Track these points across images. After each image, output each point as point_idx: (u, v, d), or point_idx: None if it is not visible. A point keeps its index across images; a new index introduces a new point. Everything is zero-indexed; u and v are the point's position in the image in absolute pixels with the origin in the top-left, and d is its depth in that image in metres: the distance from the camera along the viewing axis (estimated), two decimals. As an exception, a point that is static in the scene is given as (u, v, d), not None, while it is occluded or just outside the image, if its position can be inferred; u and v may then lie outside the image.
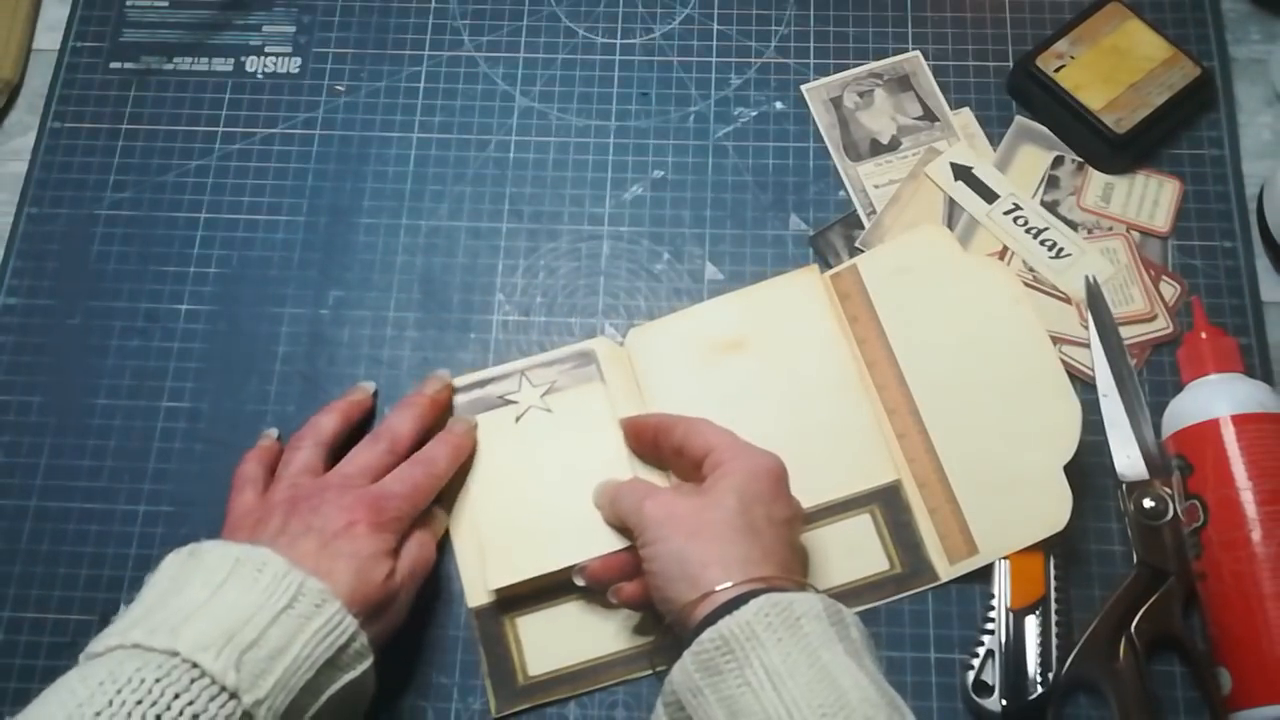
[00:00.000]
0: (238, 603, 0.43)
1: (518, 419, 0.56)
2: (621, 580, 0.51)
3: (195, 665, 0.40)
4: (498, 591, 0.53)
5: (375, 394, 0.58)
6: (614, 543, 0.52)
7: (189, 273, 0.62)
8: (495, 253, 0.62)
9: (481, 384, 0.57)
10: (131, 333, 0.60)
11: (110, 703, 0.39)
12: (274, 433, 0.57)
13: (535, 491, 0.55)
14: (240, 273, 0.62)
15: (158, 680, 0.40)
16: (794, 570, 0.47)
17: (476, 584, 0.55)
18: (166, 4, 0.68)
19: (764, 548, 0.46)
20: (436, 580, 0.55)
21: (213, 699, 0.40)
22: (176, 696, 0.39)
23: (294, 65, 0.66)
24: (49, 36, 0.68)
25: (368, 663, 0.46)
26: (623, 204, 0.62)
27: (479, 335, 0.60)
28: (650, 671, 0.52)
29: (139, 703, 0.39)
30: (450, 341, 0.60)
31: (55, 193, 0.64)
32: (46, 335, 0.61)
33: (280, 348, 0.60)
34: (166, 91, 0.66)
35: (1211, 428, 0.52)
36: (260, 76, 0.66)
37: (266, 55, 0.66)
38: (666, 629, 0.48)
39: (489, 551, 0.54)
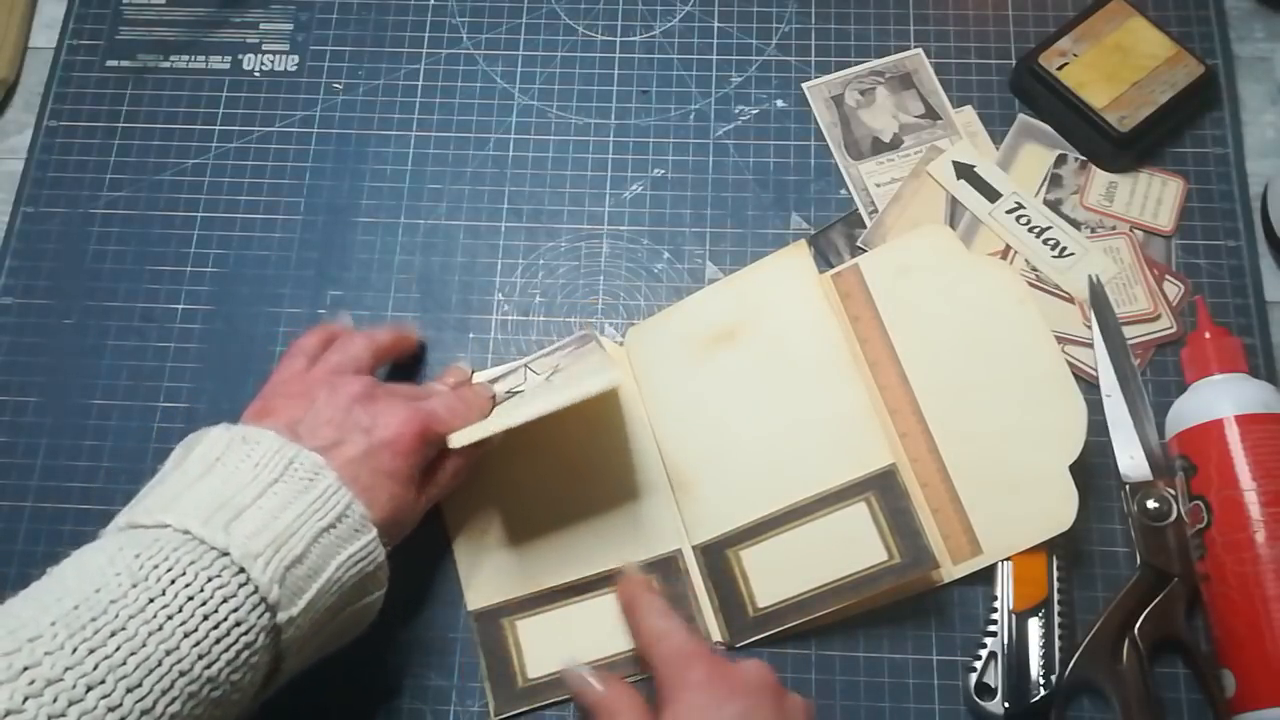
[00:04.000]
0: (285, 510, 0.43)
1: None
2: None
3: (243, 571, 0.40)
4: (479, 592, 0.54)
5: (423, 346, 0.59)
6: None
7: (186, 272, 0.61)
8: (494, 252, 0.61)
9: (490, 383, 0.56)
10: (128, 332, 0.60)
11: (164, 592, 0.39)
12: (347, 317, 0.58)
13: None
14: (237, 272, 0.61)
15: (209, 579, 0.40)
16: None
17: (476, 587, 0.54)
18: (163, 2, 0.68)
19: None
20: (435, 584, 0.55)
21: (254, 609, 0.40)
22: (224, 601, 0.40)
23: (291, 63, 0.66)
24: (45, 34, 0.67)
25: (382, 591, 0.47)
26: (622, 203, 0.62)
27: (478, 335, 0.60)
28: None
29: (190, 599, 0.39)
30: (449, 341, 0.60)
31: (51, 191, 0.63)
32: (42, 335, 0.60)
33: (277, 348, 0.59)
34: (163, 89, 0.65)
35: (1215, 428, 0.52)
36: (258, 74, 0.66)
37: (264, 53, 0.66)
38: None
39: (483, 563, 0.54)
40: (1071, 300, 0.58)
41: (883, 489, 0.53)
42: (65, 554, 0.55)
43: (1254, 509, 0.50)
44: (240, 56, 0.66)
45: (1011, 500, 0.53)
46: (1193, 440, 0.53)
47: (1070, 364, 0.56)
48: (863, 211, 0.61)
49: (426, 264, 0.61)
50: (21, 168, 0.64)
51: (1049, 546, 0.53)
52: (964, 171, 0.61)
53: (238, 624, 0.40)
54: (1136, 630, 0.51)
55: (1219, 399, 0.52)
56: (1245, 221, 0.60)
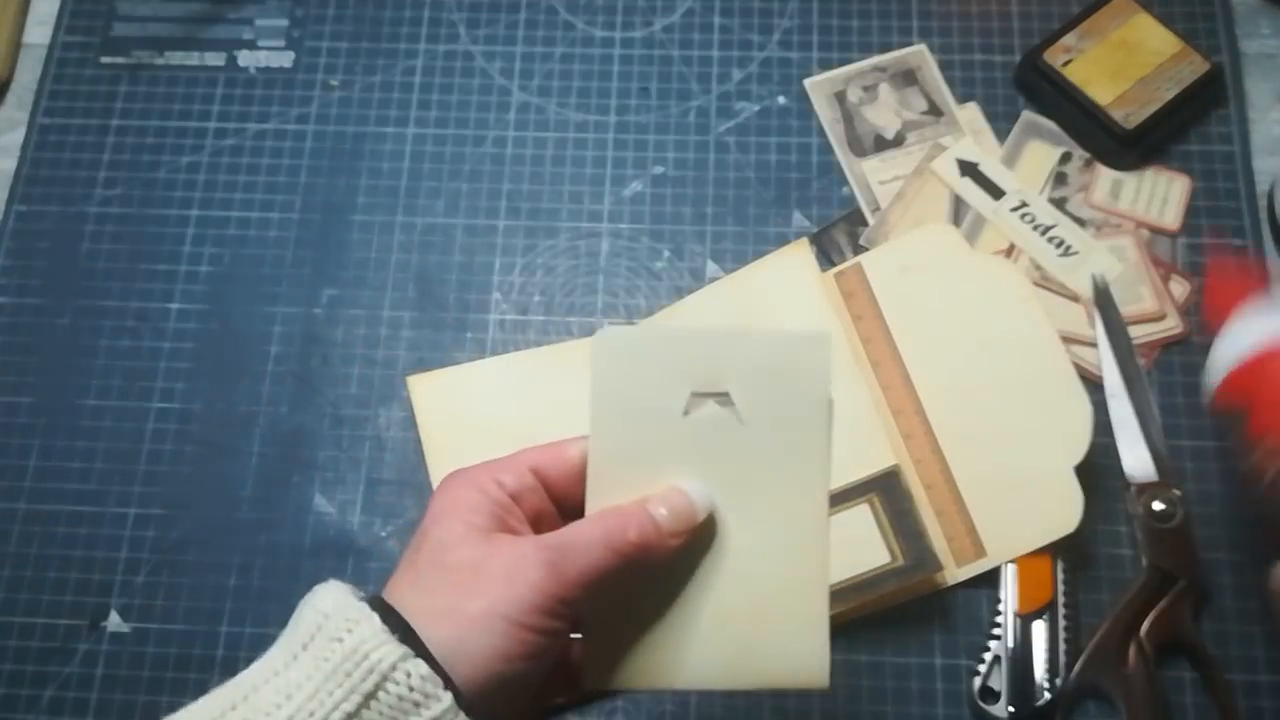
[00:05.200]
0: (290, 699, 0.31)
1: None
2: None
3: None
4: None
5: None
6: None
7: (180, 271, 0.61)
8: (492, 250, 0.61)
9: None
10: (122, 332, 0.60)
11: None
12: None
13: None
14: (232, 271, 0.61)
15: None
16: None
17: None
18: (158, -3, 0.67)
19: None
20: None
21: None
22: None
23: (287, 60, 0.65)
24: (39, 31, 0.67)
25: None
26: (622, 200, 0.62)
27: (475, 335, 0.59)
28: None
29: None
30: (446, 341, 0.59)
31: (44, 190, 0.63)
32: (35, 334, 0.60)
33: (273, 347, 0.59)
34: (157, 86, 0.65)
35: (1273, 357, 0.45)
36: (253, 71, 0.65)
37: (259, 49, 0.66)
38: None
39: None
40: (1076, 299, 0.58)
41: (886, 490, 0.53)
42: (56, 557, 0.55)
43: None
44: (235, 53, 0.66)
45: (1016, 502, 0.53)
46: (1242, 381, 0.46)
47: (1075, 364, 0.55)
48: (865, 209, 0.60)
49: (424, 263, 0.61)
50: (14, 166, 0.63)
51: (1054, 549, 0.52)
52: (968, 169, 0.61)
53: None
54: (1142, 633, 0.51)
55: (1268, 323, 0.46)
56: (1252, 220, 0.60)
